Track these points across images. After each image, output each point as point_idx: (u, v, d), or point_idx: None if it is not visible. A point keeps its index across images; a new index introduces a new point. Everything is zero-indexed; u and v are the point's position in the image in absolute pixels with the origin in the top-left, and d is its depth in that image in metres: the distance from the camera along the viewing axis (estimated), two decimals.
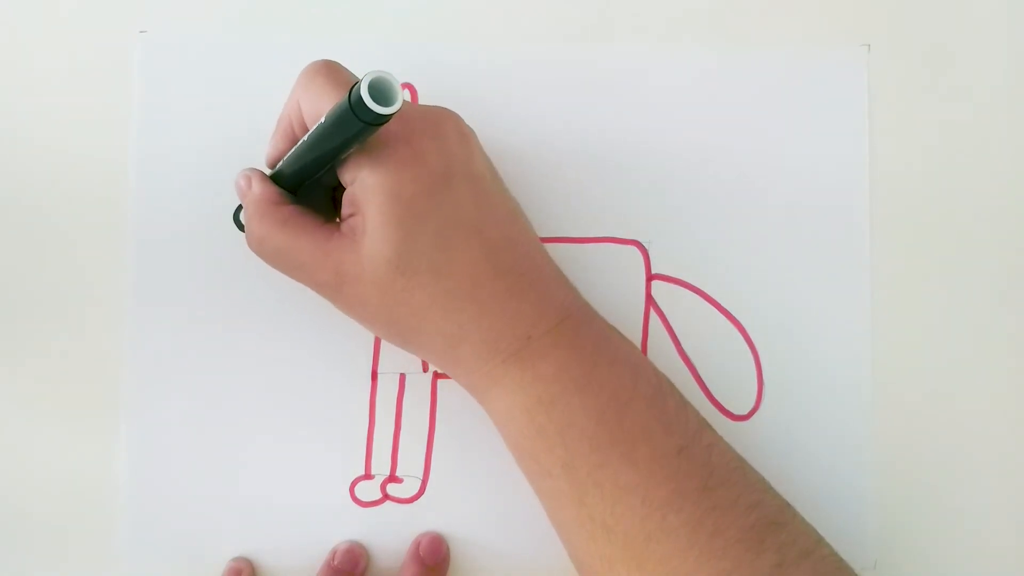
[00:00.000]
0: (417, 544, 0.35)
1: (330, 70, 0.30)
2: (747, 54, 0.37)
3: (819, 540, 0.30)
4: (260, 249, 0.32)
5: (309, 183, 0.32)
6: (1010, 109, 0.37)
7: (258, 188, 0.32)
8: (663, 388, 0.31)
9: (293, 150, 0.31)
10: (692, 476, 0.29)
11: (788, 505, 0.30)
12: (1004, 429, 0.36)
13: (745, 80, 0.37)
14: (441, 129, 0.30)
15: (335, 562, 0.34)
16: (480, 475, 0.36)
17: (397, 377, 0.36)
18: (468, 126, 0.31)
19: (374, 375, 0.36)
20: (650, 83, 0.37)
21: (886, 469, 0.36)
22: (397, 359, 0.36)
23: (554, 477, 0.30)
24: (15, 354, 0.36)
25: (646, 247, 0.36)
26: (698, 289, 0.36)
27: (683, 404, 0.31)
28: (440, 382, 0.36)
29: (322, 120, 0.28)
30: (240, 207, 0.36)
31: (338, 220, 0.31)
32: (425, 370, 0.36)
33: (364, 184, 0.29)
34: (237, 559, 0.35)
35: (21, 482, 0.35)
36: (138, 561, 0.35)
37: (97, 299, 0.36)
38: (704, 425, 0.31)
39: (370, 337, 0.36)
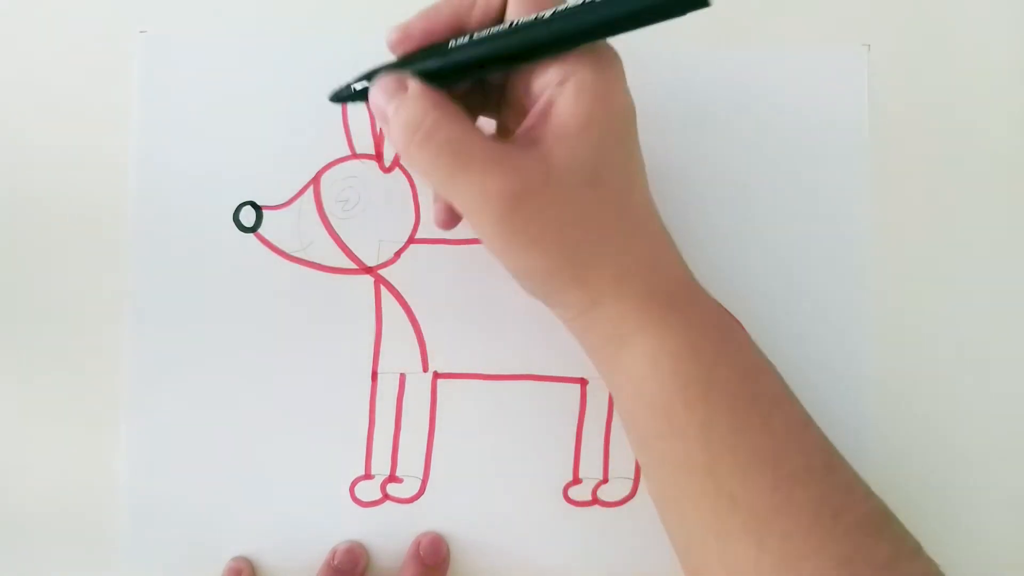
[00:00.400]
0: (417, 544, 0.35)
1: None
2: (747, 54, 0.37)
3: (919, 543, 0.29)
4: (426, 141, 0.27)
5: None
6: (1010, 109, 0.37)
7: (418, 85, 0.28)
8: (777, 369, 0.31)
9: (485, 34, 0.28)
10: (818, 451, 0.28)
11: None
12: (1008, 431, 0.36)
13: (745, 79, 0.37)
14: (623, 67, 0.29)
15: (335, 562, 0.34)
16: (480, 475, 0.36)
17: (397, 377, 0.36)
18: None
19: (374, 375, 0.36)
20: (650, 83, 0.37)
21: (888, 470, 0.36)
22: (397, 359, 0.36)
23: (687, 438, 0.28)
24: (15, 354, 0.36)
25: None
26: None
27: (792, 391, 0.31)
28: (440, 382, 0.36)
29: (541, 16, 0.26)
30: (240, 207, 0.36)
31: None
32: (425, 370, 0.36)
33: (580, 84, 0.27)
34: (237, 559, 0.35)
35: (21, 482, 0.35)
36: (138, 561, 0.35)
37: (97, 299, 0.36)
38: (810, 415, 0.30)
39: (370, 337, 0.36)
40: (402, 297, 0.36)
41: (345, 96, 0.30)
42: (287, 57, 0.36)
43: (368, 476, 0.36)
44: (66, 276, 0.36)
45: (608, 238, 0.28)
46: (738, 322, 0.31)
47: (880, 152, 0.37)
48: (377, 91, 0.28)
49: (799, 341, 0.36)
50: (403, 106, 0.27)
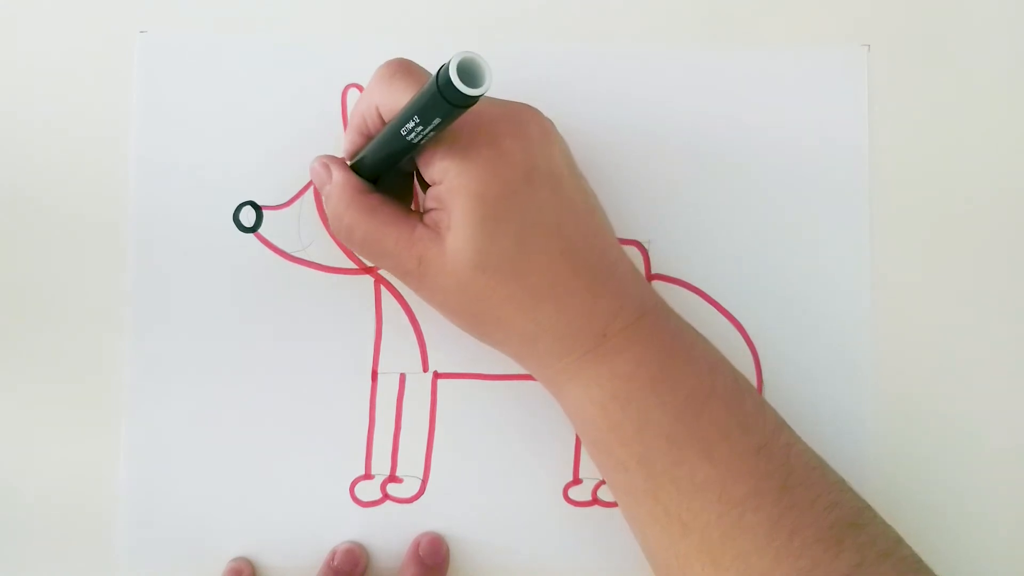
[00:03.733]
0: (417, 544, 0.35)
1: (408, 70, 0.30)
2: (747, 54, 0.37)
3: (899, 541, 0.30)
4: (348, 237, 0.32)
5: (390, 171, 0.32)
6: (1010, 109, 0.37)
7: (340, 176, 0.32)
8: (740, 386, 0.31)
9: (375, 140, 0.31)
10: (770, 475, 0.29)
11: (868, 506, 0.30)
12: (1006, 427, 0.36)
13: (745, 80, 0.37)
14: (524, 128, 0.30)
15: (335, 562, 0.34)
16: (480, 475, 0.36)
17: (397, 377, 0.36)
18: (548, 120, 0.31)
19: (374, 375, 0.36)
20: (650, 83, 0.37)
21: (887, 467, 0.36)
22: (397, 359, 0.36)
23: (629, 472, 0.30)
24: (15, 354, 0.36)
25: (646, 247, 0.36)
26: (698, 289, 0.36)
27: (761, 403, 0.31)
28: (440, 382, 0.36)
29: (407, 105, 0.28)
30: (240, 207, 0.36)
31: (421, 212, 0.31)
32: (425, 370, 0.36)
33: (450, 184, 0.29)
34: (237, 559, 0.35)
35: (21, 482, 0.35)
36: (138, 561, 0.35)
37: (97, 299, 0.36)
38: (782, 425, 0.31)
39: (370, 337, 0.36)
40: (402, 297, 0.36)
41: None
42: (287, 57, 0.36)
43: (368, 476, 0.36)
44: (66, 277, 0.36)
45: (503, 314, 0.30)
46: (701, 343, 0.32)
47: (880, 152, 0.37)
48: (314, 174, 0.33)
49: (798, 341, 0.36)
50: (328, 202, 0.32)
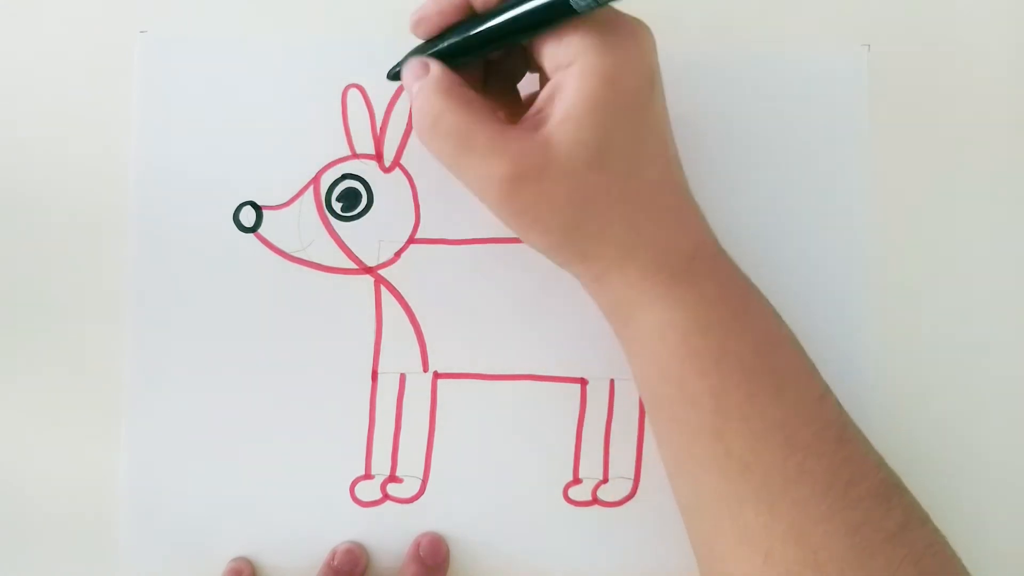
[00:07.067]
0: (417, 544, 0.35)
1: None
2: (747, 54, 0.37)
3: (928, 514, 0.30)
4: (434, 126, 0.29)
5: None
6: (1010, 109, 0.37)
7: (439, 69, 0.30)
8: (798, 340, 0.31)
9: (481, 25, 0.29)
10: (831, 425, 0.29)
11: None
12: (1009, 428, 0.36)
13: (745, 80, 0.37)
14: (650, 37, 0.29)
15: (335, 562, 0.34)
16: (480, 475, 0.36)
17: (397, 377, 0.36)
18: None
19: (374, 375, 0.36)
20: None
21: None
22: (397, 359, 0.36)
23: (698, 406, 0.29)
24: (15, 354, 0.36)
25: None
26: None
27: (813, 363, 0.31)
28: (440, 382, 0.36)
29: None
30: (240, 207, 0.36)
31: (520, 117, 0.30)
32: (425, 370, 0.36)
33: (584, 65, 0.28)
34: (237, 559, 0.35)
35: (22, 482, 0.35)
36: (138, 561, 0.35)
37: (97, 299, 0.36)
38: (828, 386, 0.31)
39: (370, 337, 0.36)
40: (402, 297, 0.36)
41: (394, 75, 0.33)
42: (287, 57, 0.36)
43: (368, 476, 0.36)
44: (66, 276, 0.36)
45: (609, 218, 0.29)
46: (759, 294, 0.31)
47: (880, 152, 0.37)
48: (407, 73, 0.31)
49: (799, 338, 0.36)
50: (420, 93, 0.29)
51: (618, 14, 0.29)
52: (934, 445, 0.36)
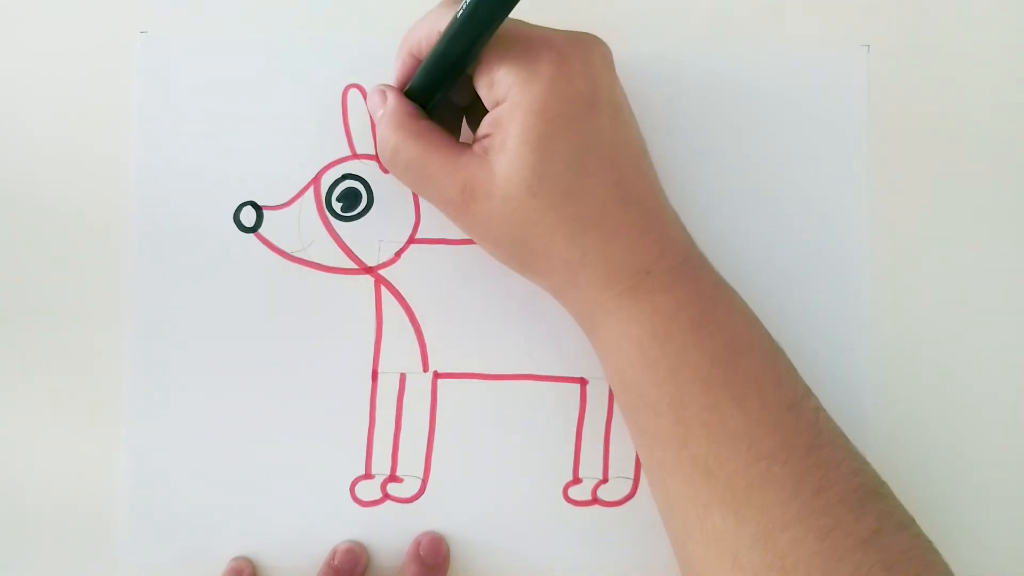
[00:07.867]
0: (417, 544, 0.35)
1: None
2: (747, 54, 0.37)
3: (912, 519, 0.30)
4: (392, 159, 0.32)
5: (441, 106, 0.33)
6: (1010, 109, 0.37)
7: (394, 100, 0.32)
8: (775, 346, 0.31)
9: (427, 59, 0.31)
10: (800, 433, 0.29)
11: (885, 482, 0.30)
12: (1009, 430, 0.36)
13: (745, 80, 0.37)
14: (589, 53, 0.30)
15: (335, 562, 0.34)
16: (480, 475, 0.36)
17: (397, 377, 0.36)
18: (610, 51, 0.31)
19: (374, 375, 0.36)
20: (650, 83, 0.37)
21: (886, 472, 0.36)
22: (397, 359, 0.36)
23: (659, 414, 0.30)
24: (15, 354, 0.36)
25: None
26: None
27: (791, 367, 0.31)
28: (440, 382, 0.36)
29: (457, 13, 0.28)
30: (240, 207, 0.36)
31: (471, 141, 0.31)
32: (425, 370, 0.36)
33: (512, 101, 0.29)
34: (237, 559, 0.35)
35: (22, 482, 0.35)
36: (138, 561, 0.35)
37: (97, 299, 0.36)
38: (810, 391, 0.31)
39: (370, 337, 0.36)
40: (402, 297, 0.36)
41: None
42: (287, 57, 0.36)
43: (368, 476, 0.36)
44: (66, 276, 0.36)
45: (553, 238, 0.30)
46: (739, 298, 0.31)
47: (880, 152, 0.37)
48: (369, 102, 0.34)
49: (797, 341, 0.36)
50: (379, 125, 0.33)
51: (552, 34, 0.30)
52: (932, 448, 0.36)
